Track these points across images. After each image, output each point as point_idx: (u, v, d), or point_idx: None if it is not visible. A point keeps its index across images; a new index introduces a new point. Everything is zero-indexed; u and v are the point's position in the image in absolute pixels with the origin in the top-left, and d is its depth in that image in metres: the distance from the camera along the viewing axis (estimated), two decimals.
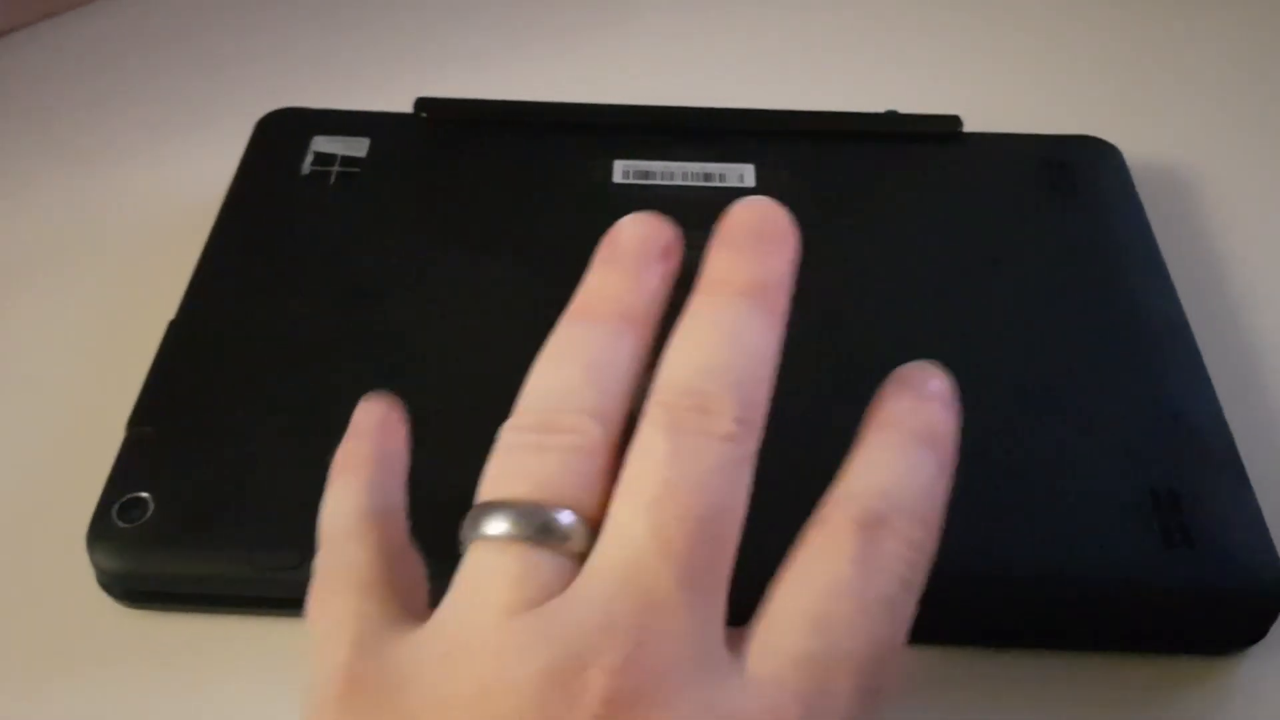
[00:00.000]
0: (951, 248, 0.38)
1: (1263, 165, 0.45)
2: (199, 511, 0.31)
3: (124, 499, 0.31)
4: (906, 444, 0.24)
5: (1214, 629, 0.31)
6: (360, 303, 0.36)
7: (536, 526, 0.21)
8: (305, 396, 0.33)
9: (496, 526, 0.22)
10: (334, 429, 0.32)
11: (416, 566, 0.25)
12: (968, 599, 0.28)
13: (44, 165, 0.44)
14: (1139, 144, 0.43)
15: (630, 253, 0.25)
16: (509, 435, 0.23)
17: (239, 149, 0.41)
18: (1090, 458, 0.32)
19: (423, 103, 0.42)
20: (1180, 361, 0.35)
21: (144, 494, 0.31)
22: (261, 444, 0.32)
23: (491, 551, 0.22)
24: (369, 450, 0.26)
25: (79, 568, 0.31)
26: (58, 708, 0.30)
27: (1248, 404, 0.36)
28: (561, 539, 0.21)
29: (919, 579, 0.22)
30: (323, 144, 0.41)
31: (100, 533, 0.30)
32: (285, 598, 0.31)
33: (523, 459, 0.23)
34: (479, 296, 0.36)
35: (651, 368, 0.24)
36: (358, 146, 0.41)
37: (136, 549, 0.30)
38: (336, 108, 0.42)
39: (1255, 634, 0.30)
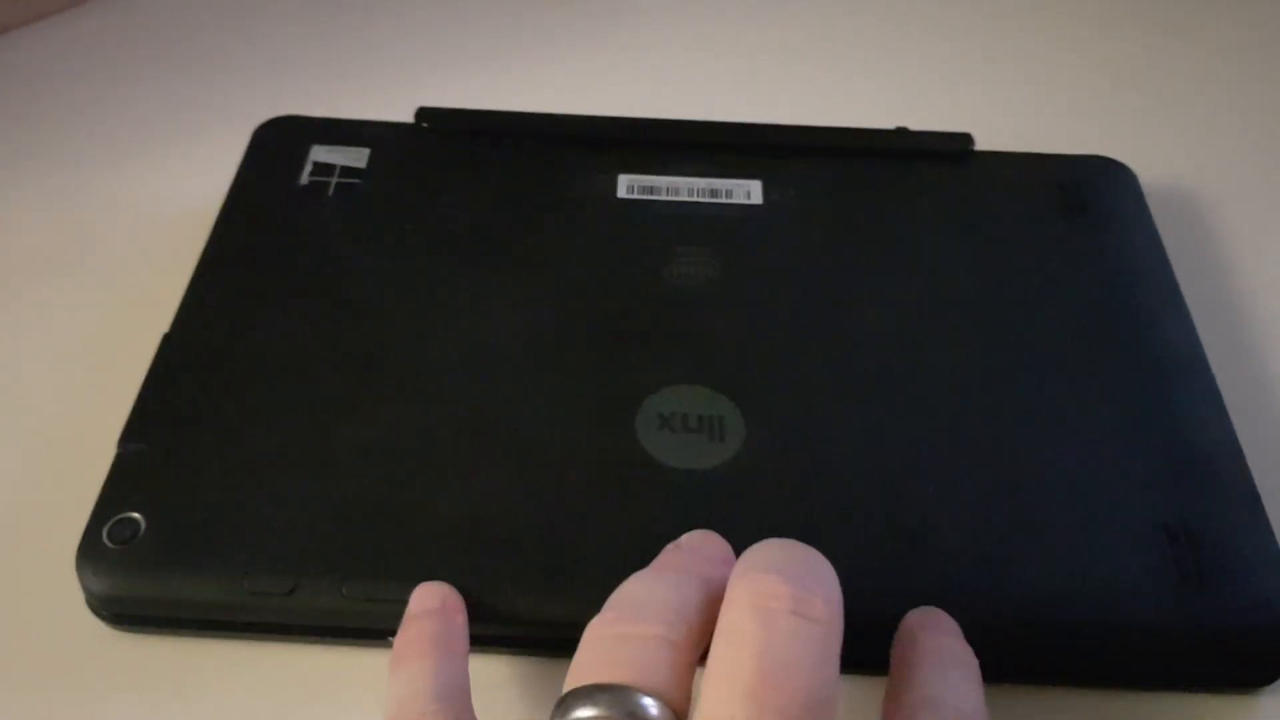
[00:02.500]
0: (960, 269, 0.37)
1: (1278, 187, 0.45)
2: (191, 533, 0.30)
3: (114, 519, 0.30)
4: (965, 669, 0.26)
5: (1231, 666, 0.30)
6: (359, 317, 0.35)
7: (625, 711, 0.22)
8: (303, 413, 0.32)
9: (585, 710, 0.22)
10: (332, 447, 0.32)
11: None
12: (984, 635, 0.28)
13: (35, 171, 0.43)
14: (1153, 165, 0.42)
15: (693, 545, 0.27)
16: (597, 629, 0.24)
17: (236, 157, 0.40)
18: (1103, 492, 0.31)
19: (424, 113, 0.41)
20: (1195, 391, 0.34)
21: (135, 514, 0.30)
22: (257, 463, 0.31)
23: None
24: (434, 633, 0.27)
25: (68, 589, 0.30)
26: None
27: (1265, 436, 0.35)
28: None
29: None
30: (322, 154, 0.40)
31: (89, 554, 0.30)
32: (277, 623, 0.30)
33: (611, 649, 0.23)
34: (479, 311, 0.35)
35: None
36: (357, 157, 0.40)
37: (126, 571, 0.30)
38: (336, 116, 0.41)
39: (1273, 672, 0.30)
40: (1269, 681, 0.30)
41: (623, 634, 0.23)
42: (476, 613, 0.29)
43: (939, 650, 0.26)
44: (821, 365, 0.35)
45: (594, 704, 0.22)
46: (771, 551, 0.24)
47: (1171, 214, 0.42)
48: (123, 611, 0.30)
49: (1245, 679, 0.30)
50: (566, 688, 0.23)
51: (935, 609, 0.28)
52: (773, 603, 0.22)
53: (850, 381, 0.34)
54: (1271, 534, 0.31)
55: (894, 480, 0.31)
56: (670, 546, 0.27)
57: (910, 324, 0.36)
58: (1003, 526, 0.31)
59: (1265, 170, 0.45)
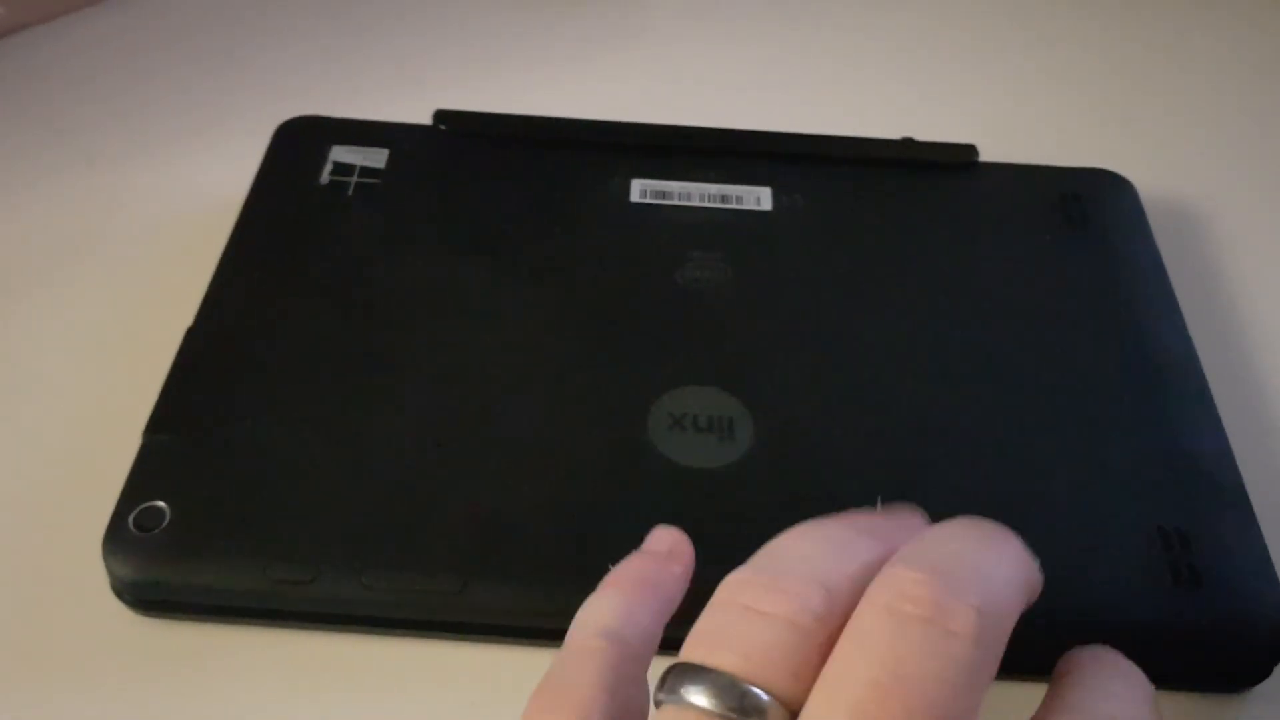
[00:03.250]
0: (963, 277, 0.38)
1: (1276, 202, 0.46)
2: (215, 521, 0.31)
3: (140, 507, 0.31)
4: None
5: (1220, 667, 0.31)
6: (378, 314, 0.36)
7: (734, 704, 0.20)
8: (322, 407, 0.33)
9: (697, 696, 0.21)
10: (352, 441, 0.33)
11: (638, 700, 0.24)
12: None
13: (62, 166, 0.44)
14: (1153, 178, 0.43)
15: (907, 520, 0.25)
16: (730, 589, 0.22)
17: (257, 154, 0.41)
18: (1099, 494, 0.32)
19: (442, 115, 0.42)
20: (1190, 399, 0.35)
21: (160, 502, 0.31)
22: (279, 454, 0.32)
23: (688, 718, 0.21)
24: (646, 573, 0.26)
25: (94, 574, 0.31)
26: (68, 713, 0.30)
27: (1256, 442, 0.36)
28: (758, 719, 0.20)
29: None
30: (342, 154, 0.41)
31: (116, 540, 0.31)
32: (298, 611, 0.31)
33: (735, 623, 0.22)
34: (495, 310, 0.36)
35: None
36: (377, 157, 0.41)
37: (151, 558, 0.30)
38: (356, 117, 0.42)
39: (1261, 673, 0.31)
40: (1257, 681, 0.31)
41: (753, 604, 0.21)
42: (489, 605, 0.30)
43: (1102, 660, 0.24)
44: (828, 368, 0.35)
45: (705, 691, 0.21)
46: (944, 539, 0.22)
47: (1170, 226, 0.43)
48: (147, 597, 0.31)
49: (1234, 679, 0.31)
50: (684, 655, 0.22)
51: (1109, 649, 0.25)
52: (909, 606, 0.20)
53: (855, 384, 0.35)
54: (1261, 537, 0.32)
55: (897, 480, 0.32)
56: (865, 510, 0.25)
57: (913, 329, 0.37)
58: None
59: (1263, 184, 0.46)
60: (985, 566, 0.21)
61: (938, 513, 0.31)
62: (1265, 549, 0.32)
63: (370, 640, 0.31)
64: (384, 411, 0.33)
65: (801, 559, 0.22)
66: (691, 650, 0.22)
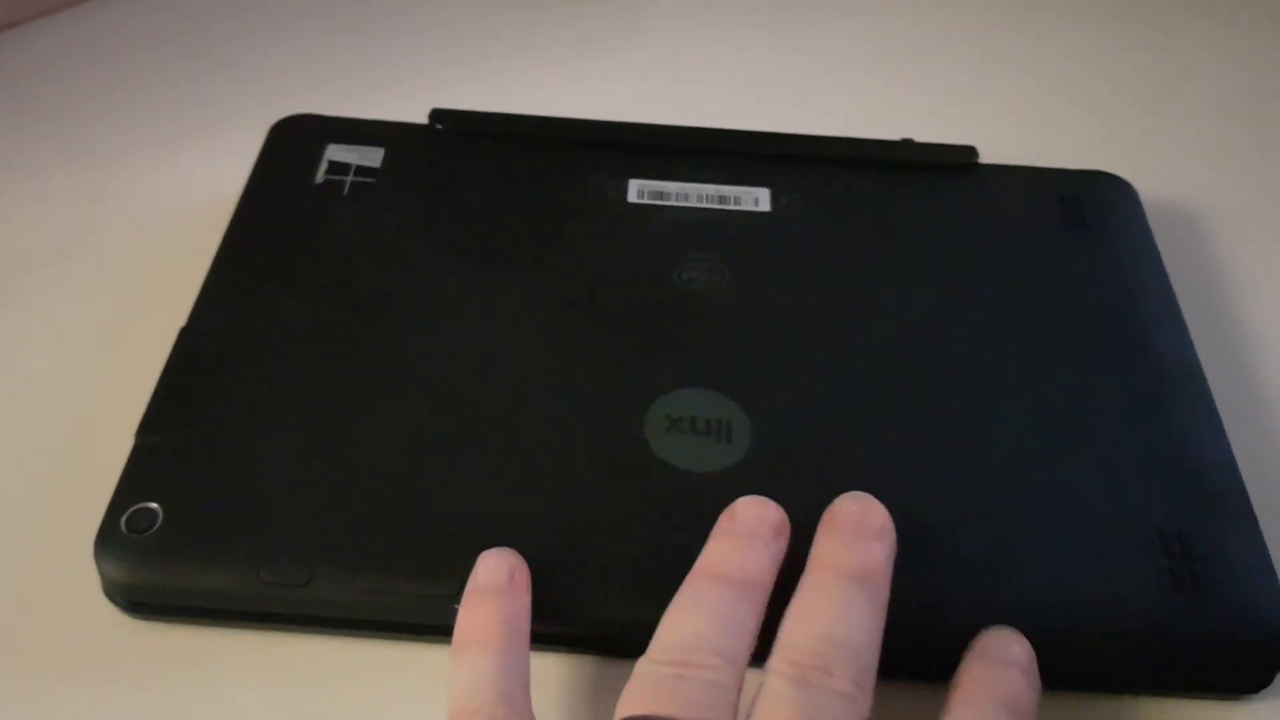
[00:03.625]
0: (963, 280, 0.38)
1: (1276, 204, 0.45)
2: (207, 524, 0.31)
3: (132, 509, 0.31)
4: (995, 712, 0.27)
5: (1222, 673, 0.31)
6: (372, 314, 0.36)
7: None
8: (317, 408, 0.33)
9: None
10: (347, 442, 0.32)
11: None
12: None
13: (56, 163, 0.44)
14: (1153, 181, 0.43)
15: (747, 529, 0.29)
16: (647, 666, 0.26)
17: (251, 152, 0.41)
18: (1100, 499, 0.32)
19: (438, 114, 0.42)
20: (1191, 403, 0.35)
21: (153, 504, 0.31)
22: (273, 456, 0.32)
23: None
24: (499, 616, 0.28)
25: (85, 576, 0.31)
26: (60, 717, 0.29)
27: (1258, 447, 0.36)
28: None
29: None
30: (337, 153, 0.40)
31: (108, 542, 0.30)
32: (292, 614, 0.31)
33: (663, 685, 0.26)
34: (492, 311, 0.36)
35: (766, 633, 0.27)
36: (372, 156, 0.40)
37: (143, 560, 0.30)
38: (351, 116, 0.42)
39: (1264, 679, 0.31)
40: (1261, 687, 0.31)
41: (672, 674, 0.26)
42: None
43: (983, 681, 0.28)
44: (826, 370, 0.35)
45: None
46: (812, 617, 0.27)
47: (1171, 228, 0.43)
48: (139, 599, 0.31)
49: (1237, 685, 0.31)
50: (625, 712, 0.25)
51: (1007, 631, 0.29)
52: (806, 678, 0.26)
53: (853, 387, 0.35)
54: (1264, 543, 0.32)
55: (895, 486, 0.32)
56: (724, 522, 0.30)
57: (912, 332, 0.36)
58: (1002, 533, 0.31)
59: (1263, 187, 0.46)
60: (852, 641, 0.27)
61: (940, 516, 0.31)
62: (1267, 555, 0.31)
63: (365, 644, 0.31)
64: (379, 412, 0.33)
65: (698, 636, 0.27)
66: (626, 708, 0.25)
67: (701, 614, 0.27)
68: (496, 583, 0.29)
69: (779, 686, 0.26)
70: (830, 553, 0.29)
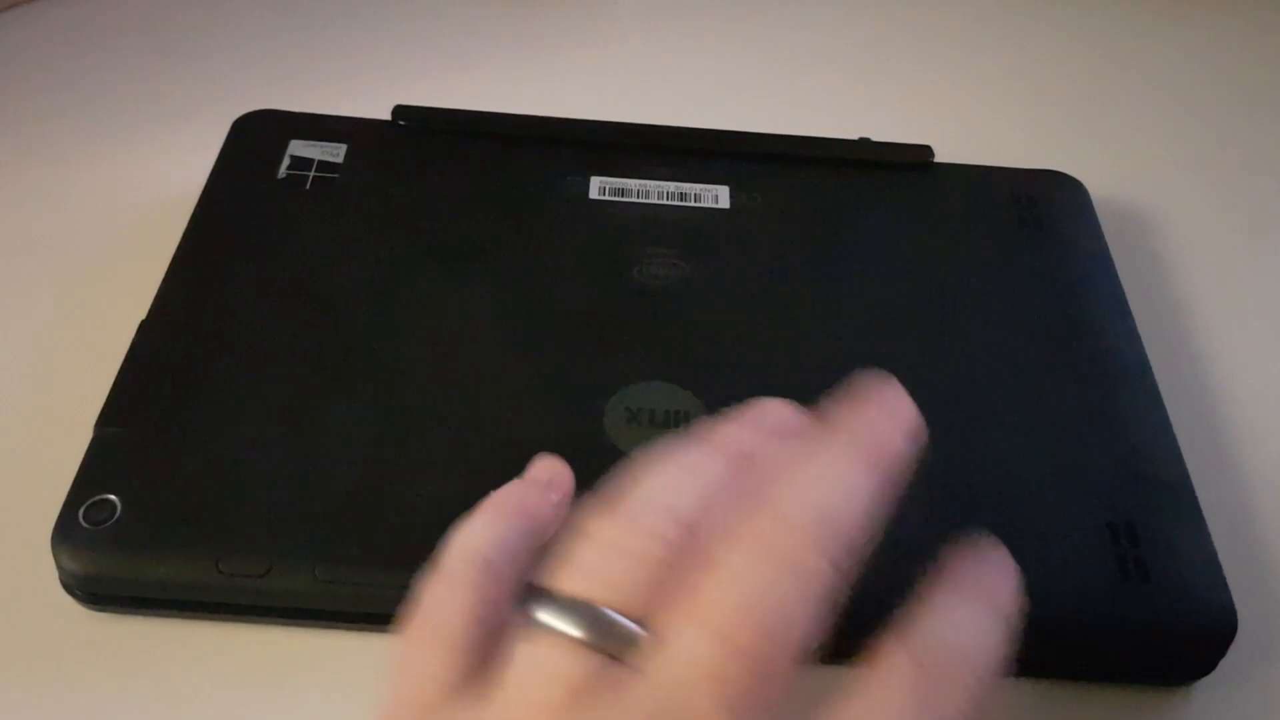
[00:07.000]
0: (917, 276, 0.39)
1: (1225, 204, 0.46)
2: (166, 515, 0.31)
3: (91, 500, 0.31)
4: (978, 605, 0.25)
5: (1166, 661, 0.31)
6: (333, 308, 0.36)
7: (601, 631, 0.22)
8: (276, 401, 0.33)
9: (564, 624, 0.22)
10: (306, 434, 0.32)
11: (509, 631, 0.25)
12: None
13: (16, 158, 0.44)
14: (1104, 180, 0.44)
15: (771, 421, 0.27)
16: (594, 524, 0.24)
17: (214, 147, 0.41)
18: (1049, 490, 0.33)
19: (401, 110, 0.42)
20: (1139, 397, 0.36)
21: (111, 496, 0.31)
22: (231, 448, 0.32)
23: (554, 650, 0.22)
24: (525, 500, 0.27)
25: (43, 568, 0.31)
26: (16, 709, 0.29)
27: (1205, 440, 0.37)
28: (624, 646, 0.22)
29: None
30: (299, 148, 0.41)
31: (65, 534, 0.30)
32: (251, 605, 0.31)
33: (602, 556, 0.23)
34: (453, 305, 0.36)
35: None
36: (334, 152, 0.41)
37: (102, 551, 0.30)
38: (314, 111, 0.42)
39: (1205, 667, 0.31)
40: (1202, 675, 0.31)
41: (617, 541, 0.23)
42: None
43: (960, 584, 0.25)
44: (783, 364, 0.36)
45: (574, 619, 0.22)
46: (793, 477, 0.24)
47: (1121, 227, 0.44)
48: (97, 591, 0.31)
49: (1181, 672, 0.32)
50: (555, 583, 0.23)
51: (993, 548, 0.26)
52: (767, 549, 0.22)
53: (808, 380, 0.35)
54: (1209, 534, 0.32)
55: None
56: (753, 413, 0.27)
57: (866, 328, 0.37)
58: (953, 523, 0.32)
59: (1210, 187, 0.47)
60: (838, 513, 0.23)
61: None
62: (1212, 545, 0.32)
63: (324, 634, 0.31)
64: (338, 405, 0.33)
65: (654, 494, 0.24)
66: (563, 581, 0.23)
67: (673, 468, 0.24)
68: (537, 476, 0.28)
69: (731, 556, 0.23)
70: (847, 422, 0.25)
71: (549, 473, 0.28)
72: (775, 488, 0.24)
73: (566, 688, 0.22)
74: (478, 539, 0.26)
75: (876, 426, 0.25)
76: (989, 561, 0.26)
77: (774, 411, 0.27)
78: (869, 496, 0.24)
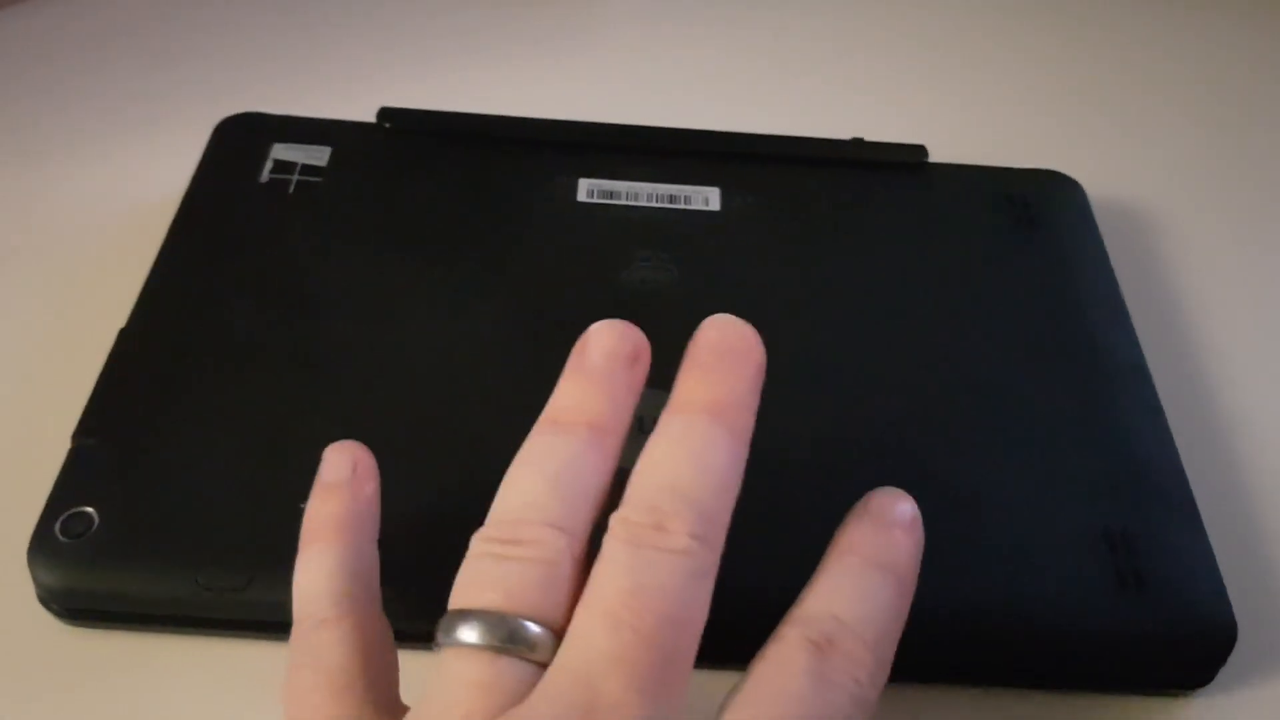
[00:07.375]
0: (911, 278, 0.38)
1: (1223, 204, 0.46)
2: (144, 528, 0.30)
3: (67, 513, 0.30)
4: (866, 570, 0.25)
5: (1164, 670, 0.31)
6: (316, 315, 0.35)
7: (504, 636, 0.23)
8: (259, 411, 0.33)
9: (467, 635, 0.23)
10: (287, 444, 0.32)
11: (389, 652, 0.26)
12: (921, 636, 0.28)
13: None
14: (1101, 180, 0.43)
15: (598, 362, 0.27)
16: (478, 544, 0.25)
17: (196, 151, 0.40)
18: (1045, 496, 0.32)
19: (386, 113, 0.41)
20: (1137, 401, 0.35)
21: (88, 508, 0.30)
22: (211, 459, 0.31)
23: (461, 659, 0.23)
24: (341, 512, 0.27)
25: (19, 582, 0.30)
26: None
27: (1203, 445, 0.36)
28: (528, 647, 0.23)
29: (871, 696, 0.24)
30: (283, 151, 0.40)
31: (42, 547, 0.30)
32: (230, 619, 0.30)
33: (491, 569, 0.24)
34: (438, 312, 0.36)
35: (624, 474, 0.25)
36: (318, 155, 0.40)
37: (79, 565, 0.30)
38: (298, 114, 0.42)
39: (1204, 677, 0.31)
40: (1202, 684, 0.31)
41: (500, 553, 0.24)
42: (428, 609, 0.29)
43: (858, 548, 0.25)
44: (773, 369, 0.35)
45: (473, 628, 0.23)
46: (657, 464, 0.25)
47: (1118, 227, 0.43)
48: (75, 605, 0.30)
49: (1180, 682, 0.31)
50: (451, 605, 0.24)
51: (895, 491, 0.27)
52: (641, 539, 0.23)
53: (801, 386, 0.35)
54: (1207, 541, 0.32)
55: (840, 483, 0.32)
56: (574, 357, 0.27)
57: (860, 331, 0.36)
58: (947, 531, 0.31)
59: (1208, 187, 0.47)
60: (694, 490, 0.24)
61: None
62: (1210, 553, 0.32)
63: None
64: (320, 414, 0.33)
65: (529, 505, 0.24)
66: (457, 599, 0.24)
67: (538, 474, 0.25)
68: (339, 478, 0.28)
69: (611, 550, 0.24)
70: (684, 389, 0.26)
71: (349, 463, 0.28)
72: (637, 473, 0.25)
73: (480, 688, 0.22)
74: (325, 578, 0.26)
75: (719, 384, 0.26)
76: (880, 519, 0.26)
77: (597, 345, 0.27)
78: (723, 461, 0.25)
